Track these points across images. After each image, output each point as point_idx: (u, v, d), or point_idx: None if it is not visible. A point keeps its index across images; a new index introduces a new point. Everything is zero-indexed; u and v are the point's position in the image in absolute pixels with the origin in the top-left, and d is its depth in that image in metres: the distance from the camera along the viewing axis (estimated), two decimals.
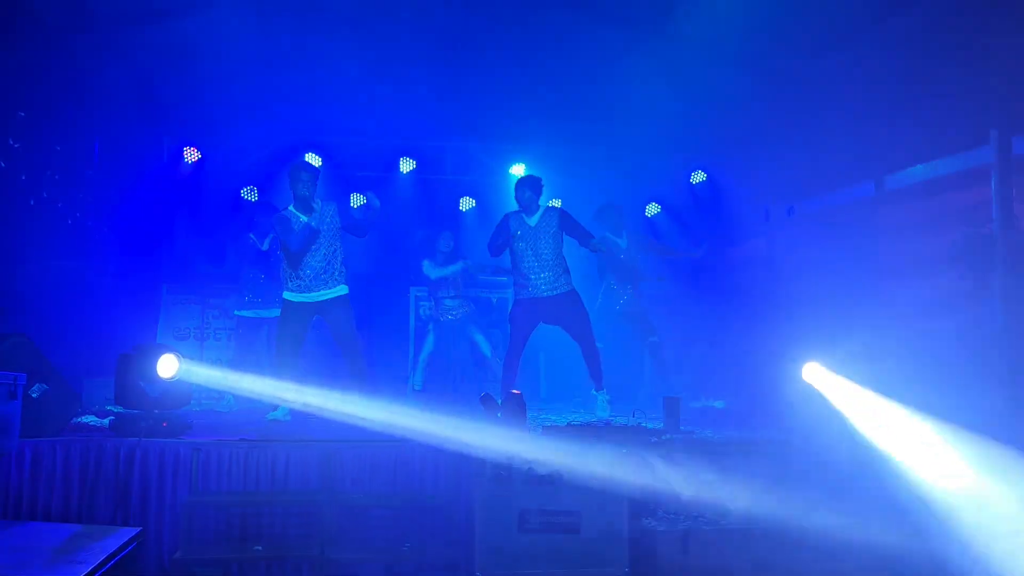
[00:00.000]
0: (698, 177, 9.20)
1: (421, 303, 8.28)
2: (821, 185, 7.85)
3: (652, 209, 9.32)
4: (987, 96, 5.33)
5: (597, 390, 6.21)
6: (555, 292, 6.00)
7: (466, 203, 9.12)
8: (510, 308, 6.37)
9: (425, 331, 7.87)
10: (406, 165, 8.94)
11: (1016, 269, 5.06)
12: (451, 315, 7.50)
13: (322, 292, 5.75)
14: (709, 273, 8.86)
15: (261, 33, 6.92)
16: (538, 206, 6.15)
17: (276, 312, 6.25)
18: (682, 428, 5.25)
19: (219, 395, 6.89)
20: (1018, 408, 4.97)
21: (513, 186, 6.31)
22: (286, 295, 5.81)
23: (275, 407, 5.70)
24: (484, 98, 8.07)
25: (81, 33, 6.67)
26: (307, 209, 5.78)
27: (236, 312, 7.20)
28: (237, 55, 7.48)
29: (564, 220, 6.11)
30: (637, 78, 7.75)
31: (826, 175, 7.65)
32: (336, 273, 5.82)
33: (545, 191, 6.26)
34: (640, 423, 5.60)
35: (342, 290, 5.83)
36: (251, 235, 7.18)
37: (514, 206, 6.30)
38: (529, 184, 6.14)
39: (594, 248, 5.99)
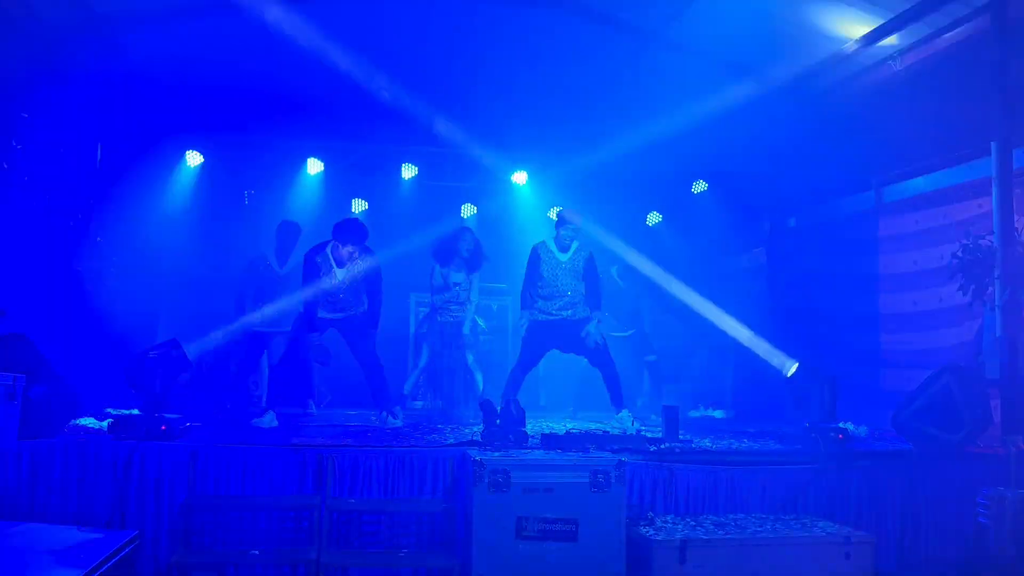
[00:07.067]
0: (699, 187, 9.21)
1: (421, 308, 8.23)
2: (821, 196, 7.87)
3: (653, 218, 9.32)
4: (988, 108, 5.34)
5: (619, 411, 6.19)
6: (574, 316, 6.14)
7: (467, 210, 9.09)
8: (526, 325, 6.29)
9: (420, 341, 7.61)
10: (408, 171, 8.96)
11: (1016, 281, 5.06)
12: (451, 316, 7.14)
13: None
14: (709, 283, 8.85)
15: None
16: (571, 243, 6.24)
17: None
18: (681, 437, 5.25)
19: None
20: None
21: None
22: None
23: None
24: (487, 104, 8.07)
25: (84, 35, 6.69)
26: None
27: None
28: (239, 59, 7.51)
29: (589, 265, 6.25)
30: (641, 86, 7.78)
31: (826, 186, 7.67)
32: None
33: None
34: (639, 431, 5.60)
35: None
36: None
37: (513, 211, 6.34)
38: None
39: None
